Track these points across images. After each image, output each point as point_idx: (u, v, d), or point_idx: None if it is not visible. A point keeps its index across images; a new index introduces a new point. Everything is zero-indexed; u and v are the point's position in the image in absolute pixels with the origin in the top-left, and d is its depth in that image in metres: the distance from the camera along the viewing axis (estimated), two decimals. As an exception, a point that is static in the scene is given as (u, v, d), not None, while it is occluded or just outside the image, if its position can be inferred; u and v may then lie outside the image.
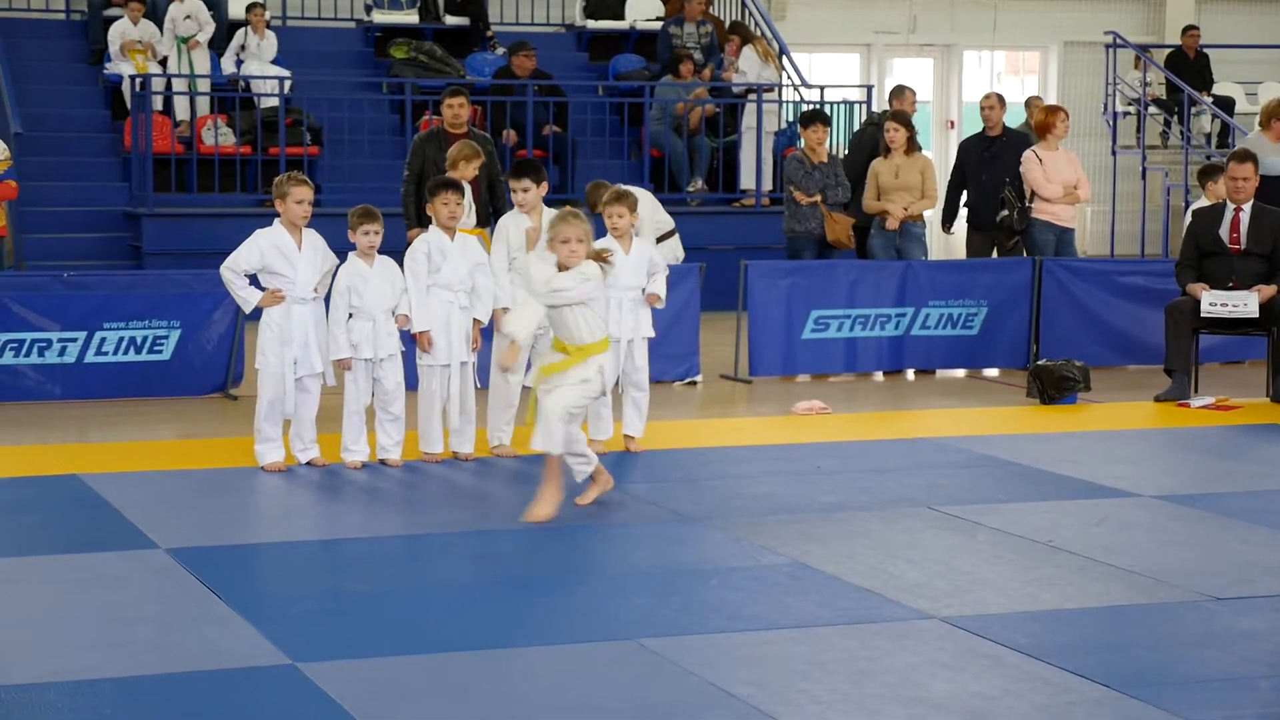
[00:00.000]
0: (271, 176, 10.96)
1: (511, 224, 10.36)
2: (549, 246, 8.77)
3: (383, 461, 9.86)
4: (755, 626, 6.79)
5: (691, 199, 18.22)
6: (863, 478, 9.74)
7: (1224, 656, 6.54)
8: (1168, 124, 21.95)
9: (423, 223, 11.20)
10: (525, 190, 10.22)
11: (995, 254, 15.13)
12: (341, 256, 9.82)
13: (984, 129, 15.45)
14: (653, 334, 10.48)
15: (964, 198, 15.42)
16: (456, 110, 13.34)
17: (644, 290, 10.38)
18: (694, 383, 13.10)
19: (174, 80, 17.51)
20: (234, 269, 9.67)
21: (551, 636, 6.71)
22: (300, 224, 9.70)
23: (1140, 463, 10.42)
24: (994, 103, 15.42)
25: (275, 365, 9.65)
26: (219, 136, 17.10)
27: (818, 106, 16.91)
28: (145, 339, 12.08)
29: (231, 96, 17.38)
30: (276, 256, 9.66)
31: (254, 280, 9.74)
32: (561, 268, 8.64)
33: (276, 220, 9.75)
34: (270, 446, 9.74)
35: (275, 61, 18.12)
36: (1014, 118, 18.53)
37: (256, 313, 9.76)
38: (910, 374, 13.86)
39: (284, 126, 16.97)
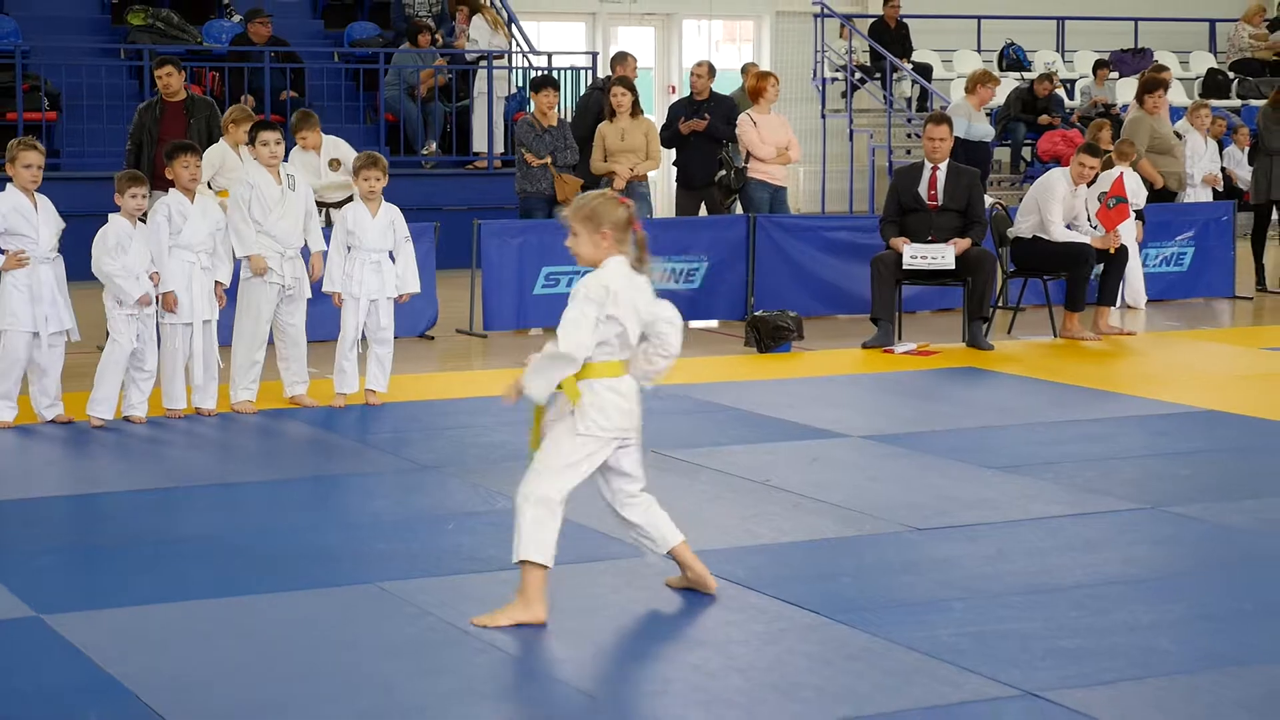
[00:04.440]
0: (8, 141, 10.67)
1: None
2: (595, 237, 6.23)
3: (127, 418, 9.68)
4: (490, 568, 6.80)
5: (426, 161, 18.12)
6: (591, 425, 9.78)
7: (923, 582, 6.72)
8: (865, 87, 22.34)
9: (157, 187, 11.00)
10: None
11: (704, 211, 15.31)
12: (98, 219, 9.64)
13: (692, 94, 15.64)
14: (396, 294, 10.43)
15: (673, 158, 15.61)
16: (165, 80, 13.23)
17: (390, 255, 10.36)
18: (430, 337, 13.06)
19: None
20: None
21: (294, 583, 6.66)
22: (31, 188, 9.49)
23: (849, 405, 10.63)
24: (703, 71, 15.63)
25: (27, 324, 9.43)
26: (-44, 102, 16.57)
27: (546, 73, 16.90)
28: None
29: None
30: (18, 219, 9.45)
31: None
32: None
33: (9, 184, 9.52)
34: (5, 405, 9.53)
35: (10, 32, 17.58)
36: (733, 83, 18.77)
37: None
38: (636, 326, 13.94)
39: (21, 92, 16.49)
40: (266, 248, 10.05)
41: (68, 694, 5.44)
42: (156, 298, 9.71)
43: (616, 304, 6.06)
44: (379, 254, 10.30)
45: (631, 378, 6.22)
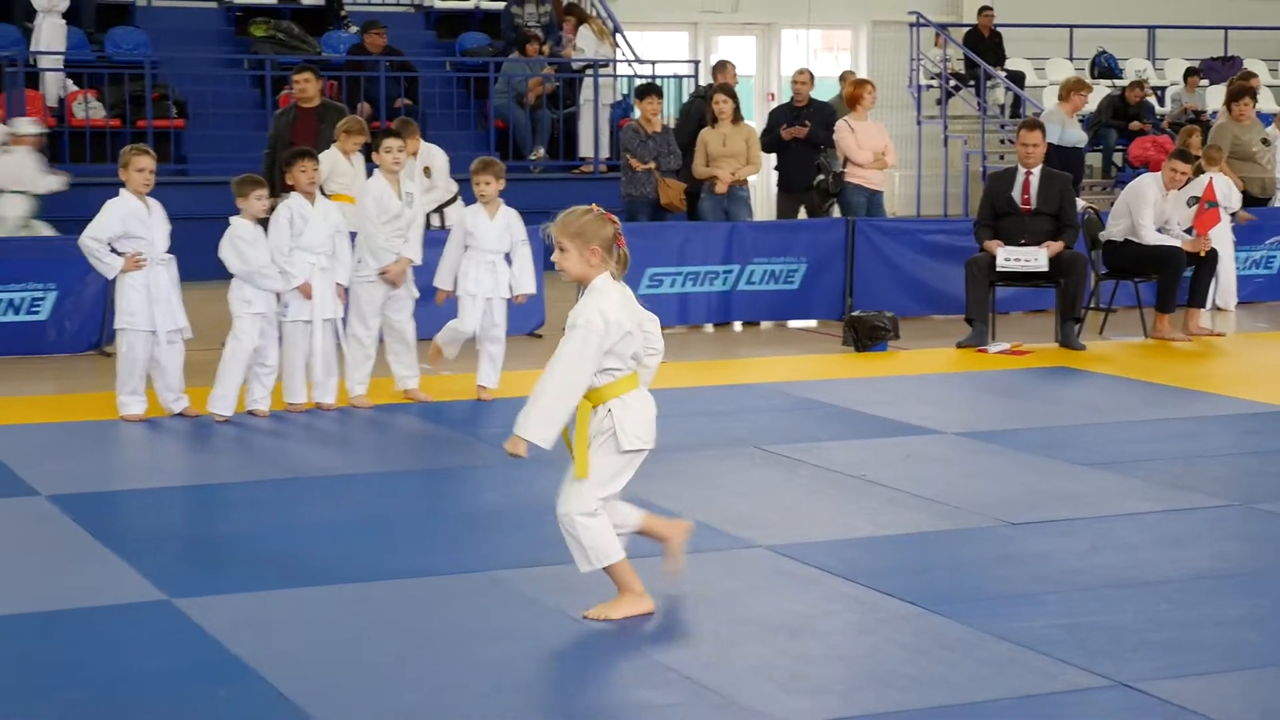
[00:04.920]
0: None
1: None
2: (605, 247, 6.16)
3: (250, 412, 9.79)
4: (597, 557, 6.83)
5: (534, 166, 18.19)
6: (694, 420, 9.82)
7: (1016, 575, 6.70)
8: (959, 94, 22.20)
9: (276, 192, 11.13)
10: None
11: (803, 214, 15.29)
12: (222, 222, 9.75)
13: (792, 100, 15.62)
14: (511, 295, 10.49)
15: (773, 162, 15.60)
16: (303, 85, 13.38)
17: (507, 257, 10.42)
18: (539, 335, 13.12)
19: (41, 58, 17.15)
20: (97, 238, 9.52)
21: (409, 571, 6.72)
22: (143, 191, 9.59)
23: (943, 403, 10.60)
24: (805, 78, 15.61)
25: (144, 323, 9.55)
26: (89, 110, 16.79)
27: (651, 80, 16.92)
28: (23, 300, 11.90)
29: (101, 72, 17.07)
30: (134, 222, 9.56)
31: (111, 248, 9.60)
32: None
33: (123, 190, 9.62)
34: (134, 399, 9.66)
35: (141, 44, 17.83)
36: (831, 90, 18.72)
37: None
38: (737, 325, 13.97)
39: (151, 100, 16.72)
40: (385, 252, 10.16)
41: (197, 674, 5.53)
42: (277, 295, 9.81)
43: (619, 330, 5.94)
44: (494, 255, 10.37)
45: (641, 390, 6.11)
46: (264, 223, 9.82)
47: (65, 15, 17.27)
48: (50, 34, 17.10)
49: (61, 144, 16.61)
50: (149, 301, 9.56)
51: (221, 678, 5.48)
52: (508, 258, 10.45)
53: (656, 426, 6.13)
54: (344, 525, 7.52)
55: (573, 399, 5.92)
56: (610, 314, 5.93)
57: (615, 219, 6.17)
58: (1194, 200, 13.68)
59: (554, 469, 8.49)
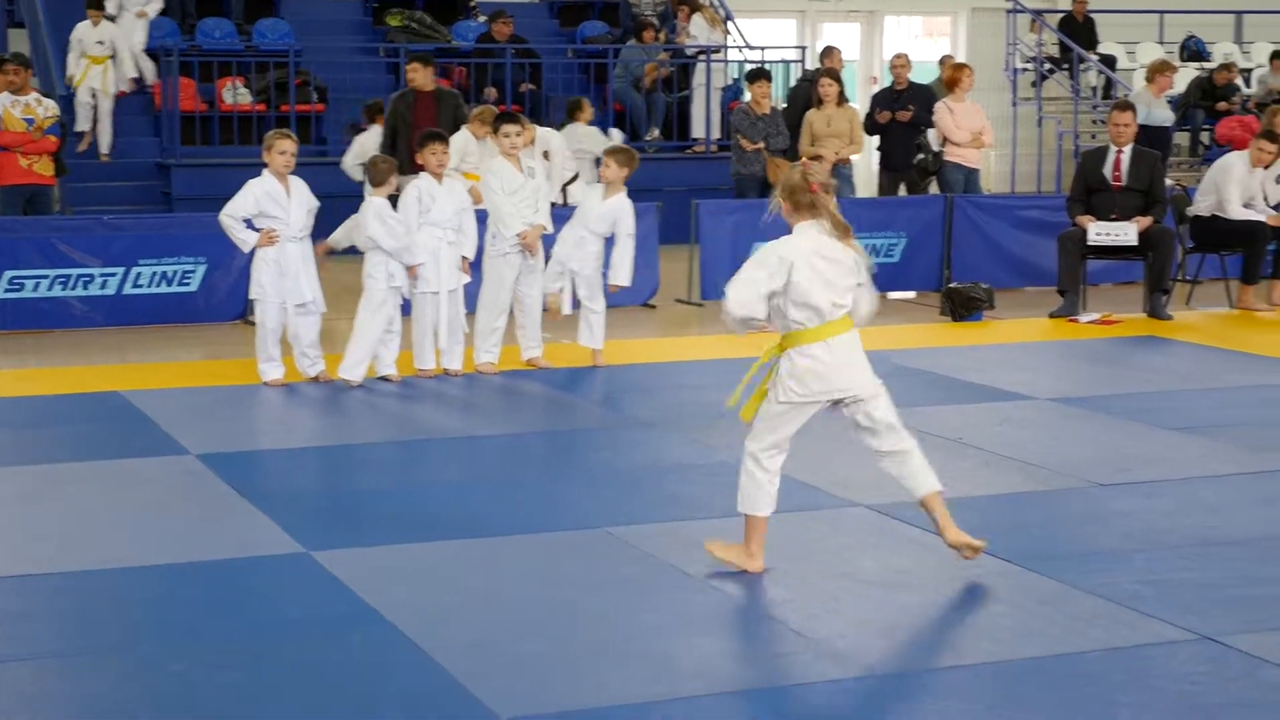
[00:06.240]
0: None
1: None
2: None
3: (384, 378, 9.84)
4: (708, 515, 6.81)
5: (649, 146, 18.13)
6: (798, 386, 9.73)
7: (1105, 534, 6.60)
8: (1053, 77, 21.91)
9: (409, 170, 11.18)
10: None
11: (903, 191, 15.13)
12: (358, 199, 9.79)
13: (893, 83, 15.45)
14: (603, 270, 10.43)
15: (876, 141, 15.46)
16: (411, 74, 13.61)
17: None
18: (652, 306, 13.09)
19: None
20: (233, 215, 9.60)
21: (531, 526, 6.73)
22: (285, 172, 9.63)
23: (1036, 370, 10.46)
24: (903, 62, 15.44)
25: (273, 295, 9.62)
26: (237, 96, 16.95)
27: (760, 65, 16.81)
28: (175, 273, 12.03)
29: (248, 60, 17.21)
30: (269, 202, 9.60)
31: (249, 224, 9.68)
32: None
33: (265, 170, 9.67)
34: (271, 365, 9.73)
35: (285, 34, 17.97)
36: (931, 74, 18.51)
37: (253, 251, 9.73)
38: (839, 296, 13.84)
39: (294, 87, 16.85)
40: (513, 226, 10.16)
41: (334, 622, 5.56)
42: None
43: (793, 272, 5.85)
44: (592, 235, 10.33)
45: (838, 340, 6.00)
46: (392, 200, 9.86)
47: (215, 7, 17.47)
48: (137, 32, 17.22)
49: (212, 128, 16.79)
50: (280, 275, 9.61)
51: (355, 625, 5.51)
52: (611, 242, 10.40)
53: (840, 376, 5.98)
54: (469, 483, 7.54)
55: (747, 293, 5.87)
56: (782, 251, 5.91)
57: (811, 177, 6.06)
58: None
59: (662, 431, 8.48)
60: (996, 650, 5.28)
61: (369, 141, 14.14)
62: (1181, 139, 20.48)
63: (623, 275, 10.40)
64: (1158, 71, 15.30)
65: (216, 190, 15.59)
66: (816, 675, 5.06)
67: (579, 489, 7.41)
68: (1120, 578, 5.96)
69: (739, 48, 19.21)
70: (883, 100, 15.33)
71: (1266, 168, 13.11)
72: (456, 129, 12.86)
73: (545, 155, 13.58)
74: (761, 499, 5.99)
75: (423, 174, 9.97)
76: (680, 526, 6.68)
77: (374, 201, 9.76)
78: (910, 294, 13.98)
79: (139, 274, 11.95)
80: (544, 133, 13.76)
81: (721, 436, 8.25)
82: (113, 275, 11.89)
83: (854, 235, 6.13)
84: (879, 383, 6.10)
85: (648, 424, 8.75)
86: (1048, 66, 21.78)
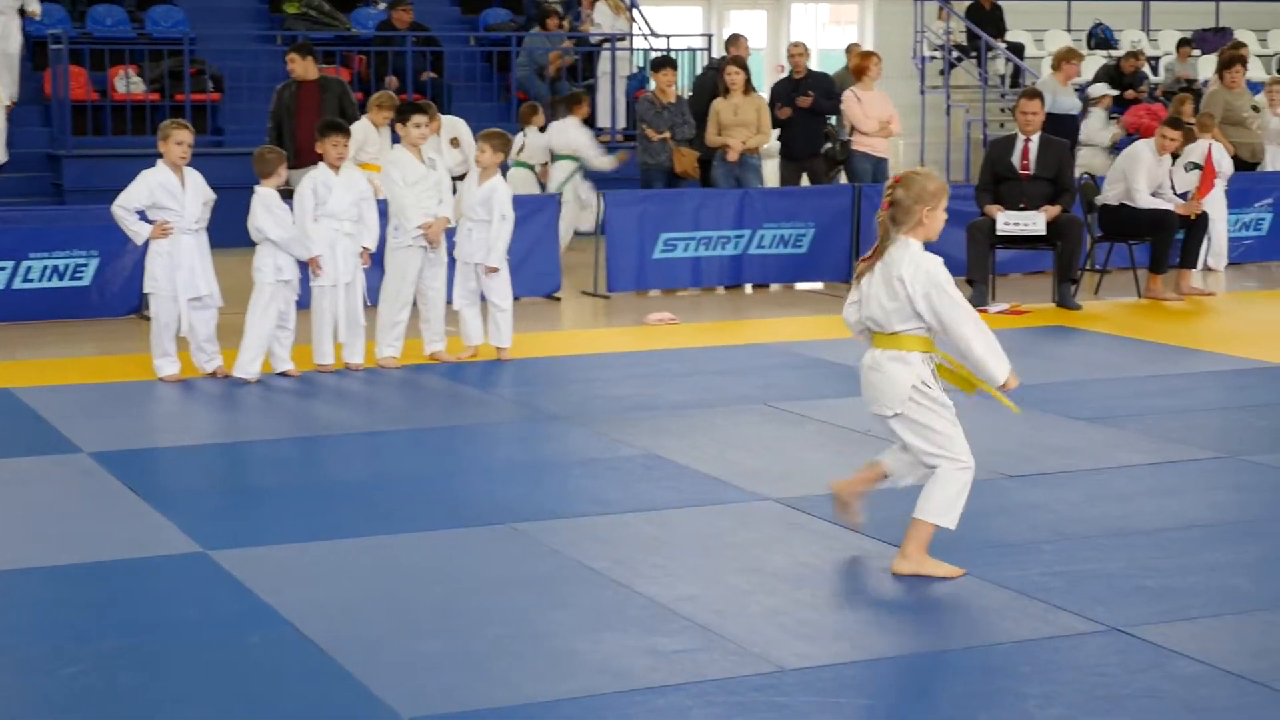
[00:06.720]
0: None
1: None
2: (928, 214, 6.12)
3: (282, 373, 9.76)
4: (614, 510, 6.82)
5: (554, 136, 18.08)
6: (707, 379, 9.78)
7: (1014, 525, 6.66)
8: (961, 65, 22.08)
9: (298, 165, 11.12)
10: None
11: (805, 180, 15.17)
12: (247, 192, 9.70)
13: (791, 72, 15.51)
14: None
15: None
16: (290, 65, 13.53)
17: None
18: (557, 298, 13.07)
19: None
20: (125, 206, 9.51)
21: (434, 523, 6.70)
22: (180, 163, 9.54)
23: (946, 361, 10.51)
24: (801, 50, 15.54)
25: (166, 289, 9.53)
26: (130, 85, 16.74)
27: (665, 53, 16.82)
28: (67, 267, 11.86)
29: (141, 48, 17.01)
30: (164, 194, 9.51)
31: (142, 215, 9.58)
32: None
33: (160, 161, 9.58)
34: (167, 360, 9.63)
35: (179, 21, 17.76)
36: (838, 63, 18.60)
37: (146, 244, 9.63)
38: (749, 288, 13.91)
39: (189, 75, 16.67)
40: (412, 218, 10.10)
41: (232, 622, 5.52)
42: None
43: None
44: (473, 221, 10.31)
45: (873, 351, 6.18)
46: (283, 193, 9.79)
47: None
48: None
49: (104, 117, 16.58)
50: (174, 268, 9.53)
51: (254, 625, 5.47)
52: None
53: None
54: (370, 480, 7.49)
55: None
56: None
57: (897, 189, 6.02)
58: (1192, 166, 13.59)
59: (568, 425, 8.46)
60: (905, 644, 5.31)
61: None
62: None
63: (495, 257, 10.32)
64: (1065, 59, 15.45)
65: (109, 182, 15.38)
66: (724, 671, 5.07)
67: (484, 484, 7.38)
68: (1029, 569, 6.02)
69: (644, 35, 19.22)
70: (782, 90, 15.36)
71: (1174, 156, 13.27)
72: (344, 116, 12.74)
73: (454, 143, 13.53)
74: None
75: (320, 164, 9.89)
76: (585, 521, 6.67)
77: (262, 192, 9.68)
78: (818, 285, 14.04)
79: (29, 268, 11.77)
80: (452, 120, 13.71)
81: (627, 430, 8.26)
82: (1, 270, 11.71)
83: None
84: None
85: (554, 418, 8.73)
86: (955, 54, 21.95)
